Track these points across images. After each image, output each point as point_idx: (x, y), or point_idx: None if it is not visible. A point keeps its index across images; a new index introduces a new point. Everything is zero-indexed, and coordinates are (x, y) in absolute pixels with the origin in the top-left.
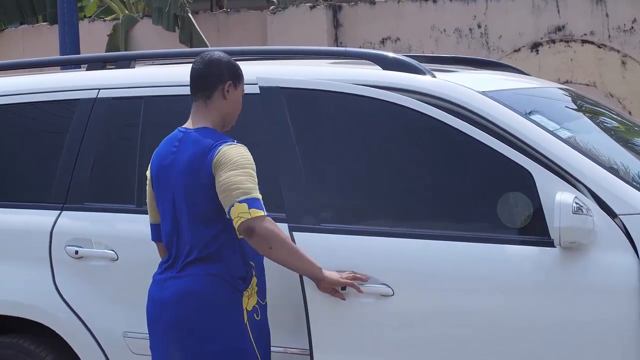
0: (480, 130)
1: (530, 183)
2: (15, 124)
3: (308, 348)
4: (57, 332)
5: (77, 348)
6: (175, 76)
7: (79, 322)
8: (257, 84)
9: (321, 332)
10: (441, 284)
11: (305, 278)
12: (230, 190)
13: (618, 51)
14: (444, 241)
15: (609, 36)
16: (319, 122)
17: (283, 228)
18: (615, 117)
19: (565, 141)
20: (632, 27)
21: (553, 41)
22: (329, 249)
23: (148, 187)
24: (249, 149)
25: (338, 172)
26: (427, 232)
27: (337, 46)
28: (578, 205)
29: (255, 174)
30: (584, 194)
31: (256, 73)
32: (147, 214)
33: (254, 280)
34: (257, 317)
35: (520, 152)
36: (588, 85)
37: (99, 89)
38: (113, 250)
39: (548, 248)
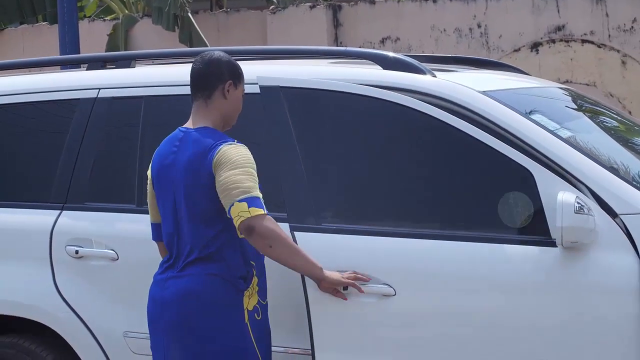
0: (481, 130)
1: (531, 183)
2: (16, 124)
3: (309, 348)
4: (57, 332)
5: (77, 348)
6: (175, 76)
7: (79, 322)
8: (257, 83)
9: (323, 332)
10: (443, 284)
11: (307, 278)
12: (230, 189)
13: (618, 51)
14: (445, 241)
15: (609, 36)
16: (320, 122)
17: (284, 228)
18: (616, 116)
19: (566, 141)
20: (632, 26)
21: (553, 41)
22: (330, 249)
23: (149, 187)
24: (249, 148)
25: (339, 171)
26: (429, 232)
27: (337, 46)
28: (580, 205)
29: (255, 173)
30: (584, 193)
31: (256, 73)
32: (147, 213)
33: (255, 279)
34: (258, 316)
35: (521, 152)
36: (588, 85)
37: (99, 89)
38: (113, 250)
39: (549, 248)
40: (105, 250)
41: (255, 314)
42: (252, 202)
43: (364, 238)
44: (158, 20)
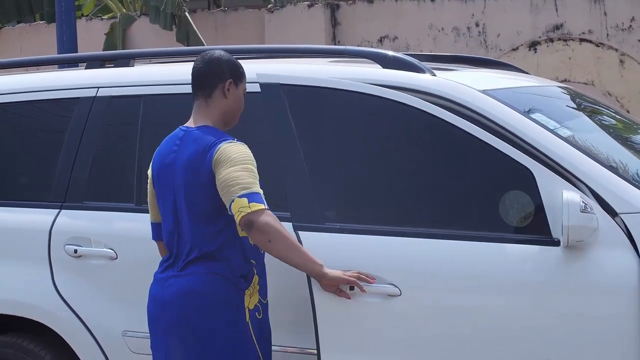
0: (481, 130)
1: (532, 182)
2: (14, 123)
3: (313, 348)
4: (56, 331)
5: (76, 347)
6: (174, 75)
7: (78, 321)
8: (257, 82)
9: (329, 332)
10: (446, 283)
11: (311, 277)
12: (230, 186)
13: (616, 50)
14: (447, 240)
15: (607, 35)
16: (321, 119)
17: (287, 227)
18: (615, 115)
19: (566, 140)
20: (631, 25)
21: (551, 40)
22: (334, 248)
23: (149, 186)
24: (251, 147)
25: (341, 169)
26: (430, 232)
27: (335, 45)
28: (585, 204)
29: (255, 169)
30: (584, 192)
31: (256, 71)
32: (146, 212)
33: (256, 278)
34: (259, 315)
35: (521, 151)
36: (586, 83)
37: (98, 88)
38: (112, 249)
39: (550, 247)
40: (104, 250)
41: (256, 313)
42: (252, 197)
43: (367, 237)
44: (155, 19)
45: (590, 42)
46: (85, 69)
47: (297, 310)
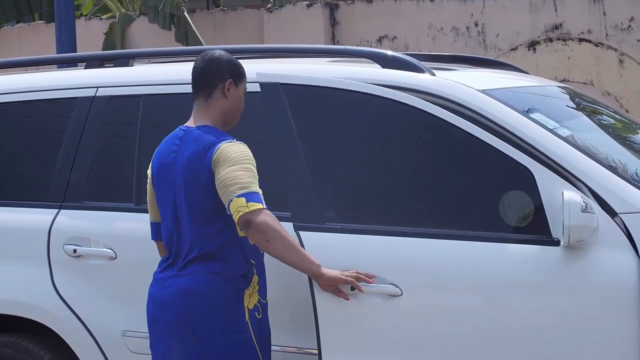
0: (481, 129)
1: (531, 182)
2: (13, 123)
3: (313, 348)
4: (55, 331)
5: (75, 347)
6: (173, 74)
7: (77, 321)
8: (256, 81)
9: (330, 332)
10: (447, 283)
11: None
12: (228, 186)
13: (615, 49)
14: (447, 240)
15: (607, 34)
16: (321, 119)
17: (288, 227)
18: (615, 115)
19: (565, 139)
20: (630, 25)
21: (550, 40)
22: (334, 248)
23: (149, 186)
24: (251, 147)
25: (341, 169)
26: (431, 231)
27: (334, 44)
28: (585, 204)
29: (254, 169)
30: (583, 192)
31: (256, 71)
32: (145, 212)
33: (255, 278)
34: (259, 315)
35: (521, 151)
36: (585, 83)
37: (97, 87)
38: (111, 249)
39: (550, 247)
40: (104, 249)
41: (256, 313)
42: (250, 197)
43: (368, 237)
44: (154, 19)
45: (590, 42)
46: (84, 68)
47: (297, 310)
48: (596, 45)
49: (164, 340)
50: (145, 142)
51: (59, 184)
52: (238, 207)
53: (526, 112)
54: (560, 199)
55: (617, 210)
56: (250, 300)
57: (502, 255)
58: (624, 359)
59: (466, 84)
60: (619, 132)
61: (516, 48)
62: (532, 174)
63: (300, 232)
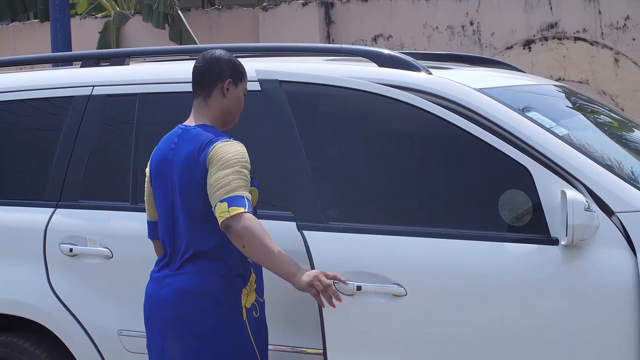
0: (480, 128)
1: (529, 181)
2: (9, 122)
3: (313, 347)
4: (51, 330)
5: (71, 346)
6: (169, 73)
7: (73, 320)
8: (256, 80)
9: (335, 331)
10: (451, 283)
11: None
12: (215, 190)
13: (611, 48)
14: (451, 240)
15: (602, 33)
16: (321, 118)
17: (291, 227)
18: (611, 114)
19: (562, 138)
20: (625, 24)
21: (546, 38)
22: (337, 248)
23: (146, 184)
24: (252, 146)
25: (342, 167)
26: (432, 231)
27: (329, 43)
28: (587, 203)
29: (246, 170)
30: (581, 191)
31: (254, 69)
32: (141, 211)
33: (253, 277)
34: (256, 314)
35: (519, 150)
36: (581, 82)
37: (93, 86)
38: (107, 248)
39: (549, 246)
40: (100, 249)
41: (253, 312)
42: (232, 201)
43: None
44: (148, 17)
45: (585, 40)
46: (80, 67)
47: (295, 309)
48: (591, 44)
49: (161, 339)
50: (141, 141)
51: (55, 183)
52: (220, 212)
53: (523, 111)
54: (558, 197)
55: (614, 209)
56: (247, 298)
57: (502, 255)
58: (622, 357)
59: (462, 82)
60: (615, 131)
61: (511, 47)
62: (530, 173)
63: (304, 232)
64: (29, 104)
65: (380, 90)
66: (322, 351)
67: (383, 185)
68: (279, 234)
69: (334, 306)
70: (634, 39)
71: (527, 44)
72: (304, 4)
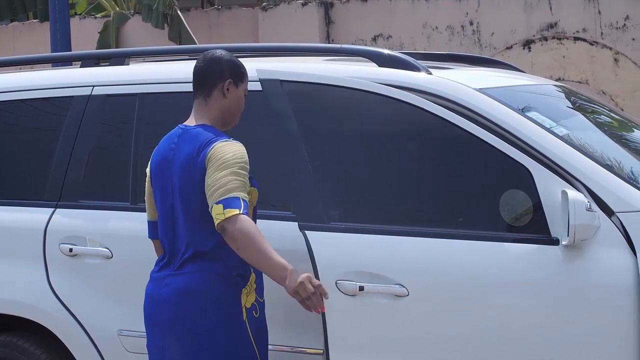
0: (480, 128)
1: (529, 181)
2: (9, 122)
3: (313, 347)
4: (51, 330)
5: (71, 346)
6: (169, 73)
7: (73, 320)
8: (257, 79)
9: (337, 331)
10: (453, 283)
11: (320, 277)
12: (212, 191)
13: (610, 48)
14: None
15: (602, 33)
16: (323, 117)
17: (293, 227)
18: (611, 114)
19: (562, 138)
20: (625, 24)
21: (545, 38)
22: (339, 248)
23: (147, 184)
24: (253, 146)
25: (344, 167)
26: (433, 231)
27: (328, 43)
28: (589, 203)
29: (243, 171)
30: (580, 191)
31: (255, 68)
32: (141, 211)
33: (253, 277)
34: (256, 314)
35: (519, 150)
36: (580, 82)
37: (93, 86)
38: (107, 248)
39: (550, 246)
40: (100, 249)
41: (253, 312)
42: (228, 203)
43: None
44: (147, 17)
45: (585, 40)
46: (80, 67)
47: (295, 309)
48: (591, 44)
49: (161, 339)
50: (141, 141)
51: (54, 183)
52: (216, 214)
53: (523, 111)
54: (558, 197)
55: (614, 209)
56: (247, 298)
57: (503, 255)
58: (622, 357)
59: (463, 82)
60: (615, 131)
61: (511, 47)
62: (530, 173)
63: (306, 232)
64: (29, 104)
65: (382, 91)
66: (321, 351)
67: (384, 186)
68: (279, 234)
69: (318, 313)
70: (633, 39)
71: (527, 44)
72: (304, 4)
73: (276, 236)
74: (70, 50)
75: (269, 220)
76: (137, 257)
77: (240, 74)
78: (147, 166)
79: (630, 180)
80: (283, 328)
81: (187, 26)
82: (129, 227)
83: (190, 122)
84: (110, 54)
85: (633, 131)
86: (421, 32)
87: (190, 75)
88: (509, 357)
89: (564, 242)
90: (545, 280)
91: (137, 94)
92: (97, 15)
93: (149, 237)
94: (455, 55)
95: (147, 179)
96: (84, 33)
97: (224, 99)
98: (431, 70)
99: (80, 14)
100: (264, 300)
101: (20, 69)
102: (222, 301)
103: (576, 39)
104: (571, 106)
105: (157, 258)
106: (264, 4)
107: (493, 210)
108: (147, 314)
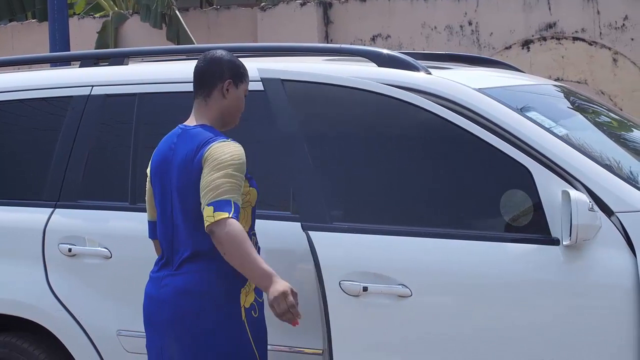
0: (481, 128)
1: (530, 181)
2: (8, 122)
3: (314, 347)
4: (50, 330)
5: (70, 346)
6: (169, 73)
7: (72, 320)
8: (259, 79)
9: (341, 331)
10: (456, 283)
11: (323, 278)
12: (205, 193)
13: (609, 48)
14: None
15: (600, 33)
16: (324, 117)
17: (295, 227)
18: (610, 114)
19: (562, 138)
20: (624, 24)
21: (544, 38)
22: (342, 249)
23: (148, 184)
24: (254, 146)
25: (346, 167)
26: (433, 231)
27: (327, 43)
28: (591, 203)
29: (238, 173)
30: (580, 191)
31: (257, 67)
32: (140, 211)
33: None
34: (255, 314)
35: (519, 150)
36: (579, 82)
37: (92, 86)
38: (106, 248)
39: (550, 246)
40: (99, 249)
41: (252, 311)
42: (218, 206)
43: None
44: (146, 17)
45: (584, 40)
46: (79, 67)
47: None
48: (590, 44)
49: (161, 339)
50: (140, 141)
51: (53, 183)
52: (207, 216)
53: (522, 111)
54: (558, 197)
55: (613, 209)
56: (246, 298)
57: (503, 255)
58: (622, 357)
59: (462, 82)
60: (615, 131)
61: (510, 47)
62: (530, 173)
63: (309, 232)
64: (28, 104)
65: (384, 90)
66: (320, 351)
67: (387, 185)
68: (282, 234)
69: (294, 325)
70: (632, 39)
71: (526, 44)
72: (303, 4)
73: (278, 236)
74: (69, 50)
75: (271, 221)
76: (136, 257)
77: (240, 75)
78: (148, 166)
79: (630, 180)
80: (282, 328)
81: (185, 26)
82: (128, 227)
83: (190, 122)
84: (109, 54)
85: (632, 131)
86: (420, 32)
87: (189, 75)
88: (510, 357)
89: (565, 242)
90: (546, 280)
91: (136, 93)
92: (95, 15)
93: (149, 237)
94: (454, 55)
95: (148, 178)
96: (83, 33)
97: (224, 100)
98: (431, 70)
99: (78, 14)
100: (263, 300)
101: (19, 68)
102: (221, 301)
103: (575, 39)
104: (570, 106)
105: (156, 258)
106: (263, 4)
107: (494, 210)
108: (146, 314)
